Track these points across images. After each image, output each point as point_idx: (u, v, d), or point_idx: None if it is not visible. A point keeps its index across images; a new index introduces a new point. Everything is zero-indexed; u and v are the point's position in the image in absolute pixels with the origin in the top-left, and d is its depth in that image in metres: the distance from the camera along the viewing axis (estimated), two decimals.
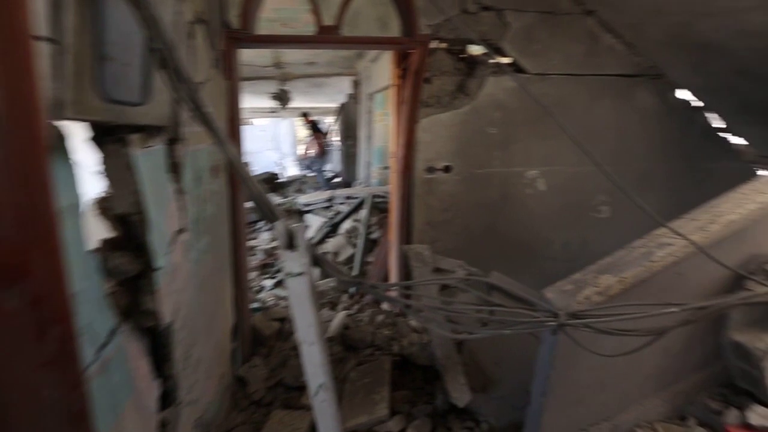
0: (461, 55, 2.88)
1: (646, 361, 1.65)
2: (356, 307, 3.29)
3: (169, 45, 0.95)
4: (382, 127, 7.30)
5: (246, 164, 1.14)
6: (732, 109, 3.16)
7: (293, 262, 1.06)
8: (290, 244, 1.07)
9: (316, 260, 1.14)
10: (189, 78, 1.02)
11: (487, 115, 2.89)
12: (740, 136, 3.34)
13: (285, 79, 8.54)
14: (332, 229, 4.08)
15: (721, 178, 3.33)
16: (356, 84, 8.56)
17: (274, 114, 11.26)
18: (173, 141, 1.55)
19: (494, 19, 2.76)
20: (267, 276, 4.15)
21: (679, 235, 1.40)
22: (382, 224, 3.93)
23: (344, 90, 9.60)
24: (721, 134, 3.32)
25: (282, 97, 8.54)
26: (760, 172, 3.43)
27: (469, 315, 1.88)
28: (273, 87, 8.73)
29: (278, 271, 4.22)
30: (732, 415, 1.59)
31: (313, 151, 10.18)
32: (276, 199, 7.70)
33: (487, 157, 2.95)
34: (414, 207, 2.89)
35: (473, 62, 2.87)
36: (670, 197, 3.28)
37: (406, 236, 2.92)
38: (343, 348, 2.78)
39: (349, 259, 3.80)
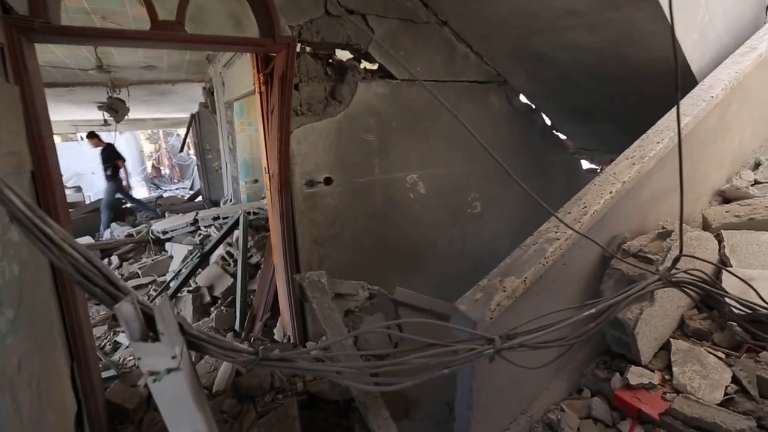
0: (329, 60, 2.68)
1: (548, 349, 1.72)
2: (246, 345, 2.83)
3: None
4: (246, 138, 6.68)
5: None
6: (557, 111, 3.68)
7: (158, 356, 0.70)
8: (147, 332, 0.71)
9: (194, 343, 0.79)
10: None
11: (362, 122, 2.75)
12: (563, 133, 3.93)
13: (117, 85, 7.14)
14: (203, 258, 3.46)
15: (557, 168, 3.86)
16: (209, 92, 7.67)
17: (108, 127, 9.37)
18: None
19: (359, 24, 2.63)
20: (122, 328, 3.31)
21: (571, 228, 1.45)
22: (262, 245, 3.50)
23: (195, 98, 8.54)
24: (553, 132, 3.85)
25: (115, 108, 7.11)
26: (582, 162, 4.11)
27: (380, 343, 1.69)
28: (102, 95, 7.22)
29: None
30: (616, 380, 1.76)
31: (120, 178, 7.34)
32: (125, 228, 6.38)
33: (368, 165, 2.82)
34: (298, 225, 2.59)
35: (342, 68, 2.70)
36: (529, 188, 3.66)
37: (293, 257, 2.60)
38: (237, 400, 2.32)
39: (228, 291, 3.27)
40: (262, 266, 3.08)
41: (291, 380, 2.40)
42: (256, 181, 6.79)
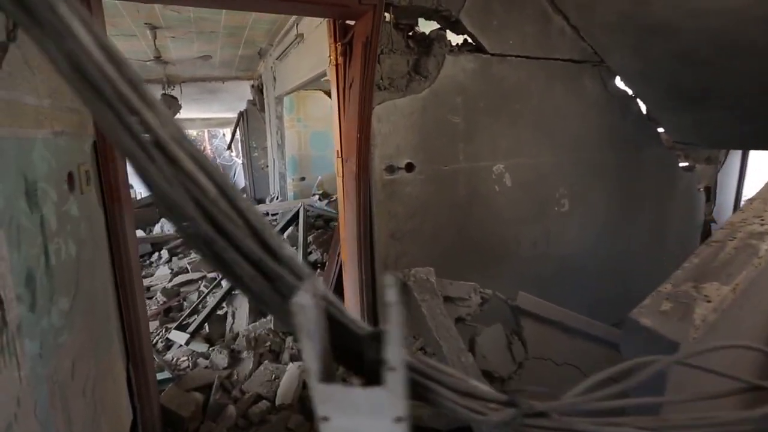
0: (410, 33, 2.33)
1: None
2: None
3: None
4: (294, 134, 6.48)
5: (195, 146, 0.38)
6: (658, 97, 3.16)
7: (368, 415, 0.33)
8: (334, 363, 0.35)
9: (420, 383, 0.42)
10: None
11: (448, 101, 2.38)
12: (661, 123, 3.39)
13: (171, 82, 7.14)
14: None
15: (651, 165, 3.33)
16: (258, 89, 7.56)
17: None
18: None
19: None
20: (173, 326, 3.07)
21: None
22: (321, 242, 3.18)
23: (243, 96, 8.47)
24: (649, 122, 3.32)
25: (169, 105, 7.09)
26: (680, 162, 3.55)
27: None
28: (155, 93, 7.23)
29: (193, 313, 3.16)
30: None
31: None
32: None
33: (452, 150, 2.43)
34: (375, 217, 2.23)
35: (426, 39, 2.34)
36: (619, 187, 3.17)
37: (369, 253, 2.24)
38: (306, 417, 1.98)
39: None
40: (327, 264, 2.75)
41: None
42: (303, 178, 6.57)
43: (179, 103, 7.28)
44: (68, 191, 1.16)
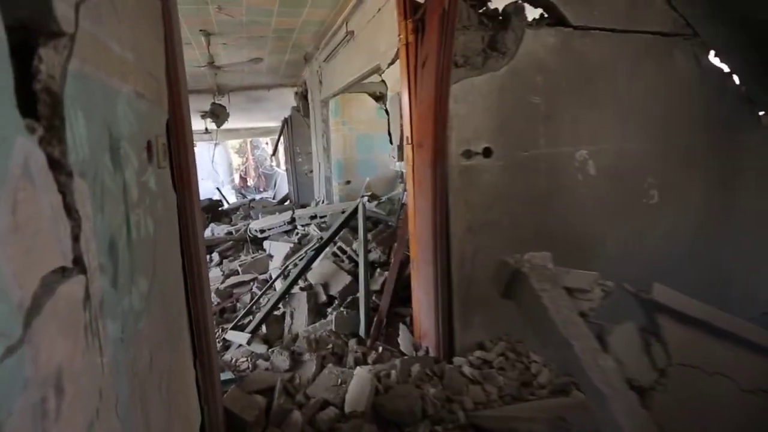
0: (482, 9, 2.13)
1: None
2: (374, 355, 2.29)
3: None
4: (340, 138, 6.41)
5: None
6: (761, 72, 2.76)
7: None
8: None
9: None
10: None
11: (528, 80, 2.14)
12: (761, 104, 2.97)
13: (221, 91, 7.33)
14: (318, 251, 3.03)
15: (750, 150, 2.90)
16: (302, 95, 7.61)
17: (207, 137, 9.83)
18: (32, 38, 0.52)
19: None
20: (230, 325, 2.97)
21: None
22: (382, 240, 3.00)
23: (287, 105, 8.58)
24: (749, 103, 2.92)
25: (217, 113, 7.28)
26: None
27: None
28: (206, 104, 7.45)
29: (247, 314, 3.06)
30: None
31: None
32: (223, 227, 6.37)
33: (532, 134, 2.19)
34: (451, 207, 2.02)
35: (499, 15, 2.13)
36: (714, 174, 2.78)
37: (444, 248, 2.02)
38: (379, 426, 1.77)
39: (346, 290, 2.79)
40: (392, 261, 2.55)
41: (449, 407, 1.80)
42: (348, 182, 6.47)
43: (227, 111, 7.45)
44: (147, 161, 1.03)
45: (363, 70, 3.91)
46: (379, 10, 3.40)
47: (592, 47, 2.27)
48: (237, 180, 18.64)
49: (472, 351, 2.13)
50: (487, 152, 2.07)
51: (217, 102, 7.29)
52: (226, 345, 2.82)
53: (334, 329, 2.52)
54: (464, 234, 2.07)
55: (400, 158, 3.47)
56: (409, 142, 2.13)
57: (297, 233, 5.10)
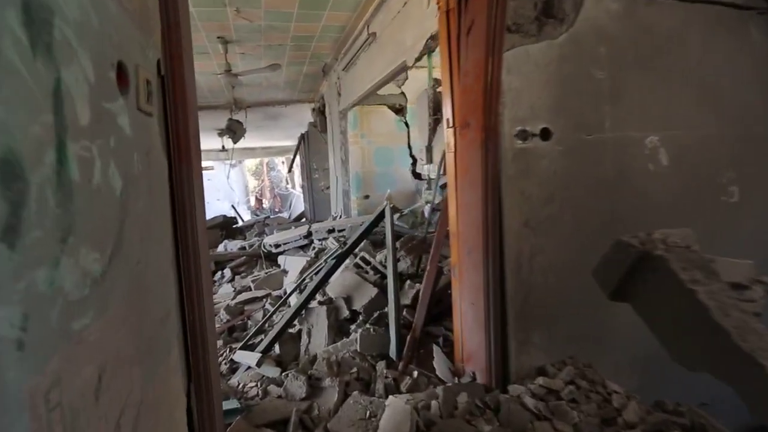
0: None
1: None
2: (408, 381, 1.89)
3: None
4: (358, 150, 6.16)
5: None
6: None
7: None
8: None
9: None
10: None
11: (589, 50, 1.81)
12: None
13: (238, 106, 7.23)
14: (339, 260, 2.67)
15: None
16: (319, 111, 7.46)
17: (223, 156, 9.74)
18: None
19: None
20: (239, 345, 2.60)
21: None
22: (411, 249, 2.63)
23: (303, 122, 8.46)
24: None
25: (233, 129, 7.15)
26: None
27: None
28: (223, 120, 7.35)
29: (258, 332, 2.69)
30: None
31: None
32: (237, 242, 6.09)
33: (596, 115, 1.84)
34: (505, 198, 1.65)
35: None
36: None
37: (497, 248, 1.65)
38: None
39: (372, 304, 2.41)
40: (427, 268, 2.17)
41: None
42: (367, 196, 6.17)
43: (244, 127, 7.33)
44: (117, 87, 0.71)
45: (387, 70, 3.67)
46: (406, 3, 3.17)
47: (658, 16, 1.95)
48: (252, 202, 18.63)
49: (531, 377, 1.71)
50: (545, 134, 1.72)
51: (233, 118, 7.18)
52: (233, 367, 2.45)
53: (358, 350, 2.13)
54: (520, 231, 1.69)
55: (429, 160, 3.16)
56: (451, 124, 1.80)
57: (314, 247, 4.77)
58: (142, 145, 0.84)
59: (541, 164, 1.72)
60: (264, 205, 18.68)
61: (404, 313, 2.30)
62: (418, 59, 3.09)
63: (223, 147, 8.85)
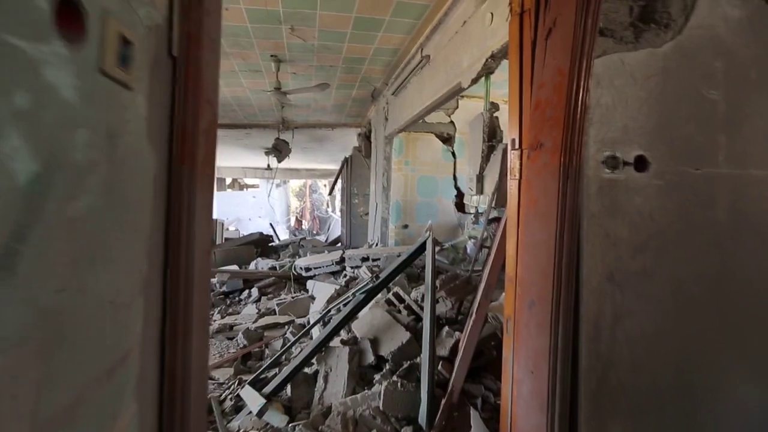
0: None
1: None
2: None
3: None
4: (401, 178, 5.92)
5: None
6: None
7: None
8: None
9: None
10: None
11: (701, 64, 1.45)
12: None
13: (286, 127, 7.32)
14: (370, 295, 2.35)
15: None
16: (365, 136, 7.39)
17: (267, 174, 9.93)
18: None
19: None
20: (250, 378, 2.31)
21: None
22: (452, 290, 2.27)
23: (349, 146, 8.44)
24: None
25: (279, 148, 7.21)
26: None
27: None
28: (270, 139, 7.46)
29: (273, 365, 2.39)
30: None
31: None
32: (268, 261, 5.95)
33: (708, 144, 1.44)
34: (584, 241, 1.29)
35: None
36: None
37: (571, 304, 1.27)
38: None
39: (402, 352, 2.04)
40: (471, 320, 1.79)
41: None
42: (406, 226, 5.87)
43: (289, 147, 7.38)
44: (52, 25, 0.48)
45: (438, 93, 3.44)
46: (465, 22, 2.96)
47: None
48: (293, 222, 18.94)
49: None
50: (641, 163, 1.35)
51: (280, 138, 7.26)
52: (239, 404, 2.15)
53: (381, 407, 1.76)
54: (602, 285, 1.30)
55: (479, 191, 2.81)
56: (517, 145, 1.48)
57: (345, 275, 4.48)
58: (99, 123, 0.59)
59: (633, 201, 1.34)
60: (303, 226, 18.93)
61: (439, 367, 1.91)
62: (475, 80, 2.83)
63: (269, 166, 8.99)
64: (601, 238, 1.31)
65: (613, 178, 1.32)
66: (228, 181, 17.65)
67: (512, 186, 1.50)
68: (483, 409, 2.11)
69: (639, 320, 1.34)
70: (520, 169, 1.46)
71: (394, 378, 1.85)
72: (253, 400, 1.92)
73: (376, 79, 5.33)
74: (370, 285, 2.28)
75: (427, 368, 1.81)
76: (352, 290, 2.80)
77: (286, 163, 9.78)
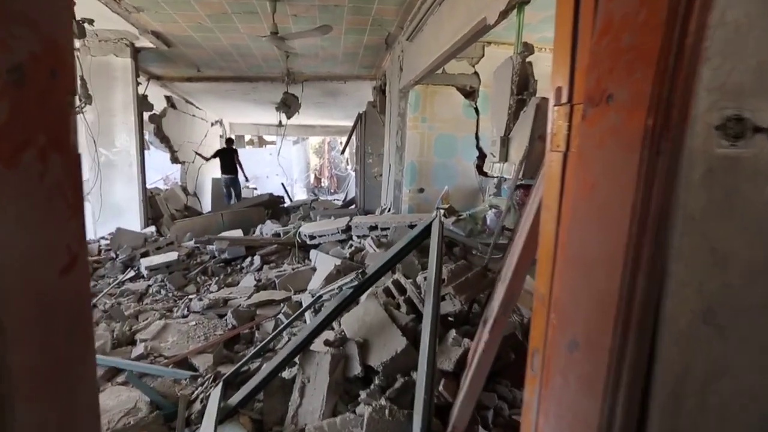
0: None
1: None
2: None
3: None
4: (417, 137, 5.32)
5: None
6: None
7: None
8: None
9: None
10: None
11: None
12: None
13: (293, 80, 6.71)
14: (361, 289, 1.92)
15: None
16: (380, 89, 6.71)
17: (279, 132, 9.43)
18: None
19: None
20: (227, 372, 1.99)
21: None
22: (462, 286, 1.81)
23: (363, 102, 7.77)
24: None
25: (288, 104, 6.65)
26: None
27: None
28: (278, 93, 6.89)
29: (257, 355, 2.06)
30: None
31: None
32: (275, 226, 5.64)
33: None
34: (674, 257, 0.78)
35: None
36: None
37: (642, 357, 0.79)
38: None
39: (396, 362, 1.64)
40: (482, 344, 1.34)
41: None
42: (422, 190, 5.35)
43: (299, 102, 6.81)
44: None
45: (459, 34, 2.78)
46: None
47: None
48: (312, 179, 18.65)
49: None
50: None
51: (289, 92, 6.68)
52: (204, 406, 1.84)
53: None
54: (694, 327, 0.81)
55: (503, 158, 2.27)
56: (565, 98, 0.94)
57: (351, 245, 4.09)
58: None
59: (764, 195, 0.81)
60: (322, 184, 18.62)
61: (441, 387, 1.50)
62: (505, 14, 2.19)
63: (280, 122, 8.48)
64: (704, 254, 0.79)
65: (733, 155, 0.78)
66: (246, 138, 17.27)
67: (553, 161, 0.98)
68: (494, 424, 1.73)
69: (745, 382, 0.86)
70: (569, 136, 0.93)
71: (383, 401, 1.46)
72: (209, 416, 1.58)
73: (389, 22, 4.60)
74: (357, 281, 1.84)
75: (422, 388, 1.40)
76: (339, 282, 2.39)
77: (300, 119, 9.22)
